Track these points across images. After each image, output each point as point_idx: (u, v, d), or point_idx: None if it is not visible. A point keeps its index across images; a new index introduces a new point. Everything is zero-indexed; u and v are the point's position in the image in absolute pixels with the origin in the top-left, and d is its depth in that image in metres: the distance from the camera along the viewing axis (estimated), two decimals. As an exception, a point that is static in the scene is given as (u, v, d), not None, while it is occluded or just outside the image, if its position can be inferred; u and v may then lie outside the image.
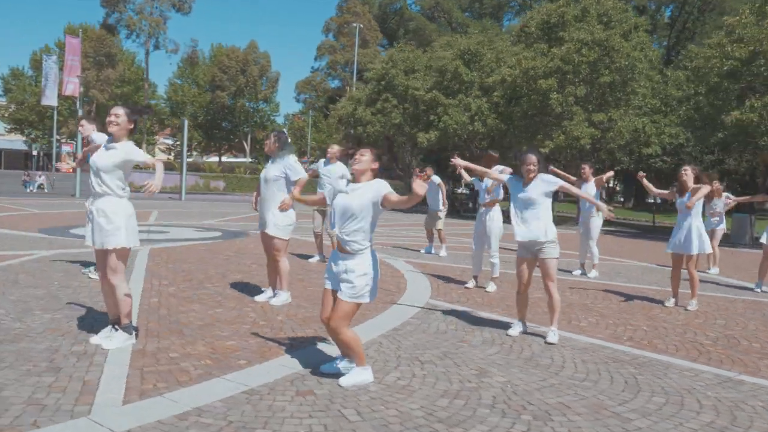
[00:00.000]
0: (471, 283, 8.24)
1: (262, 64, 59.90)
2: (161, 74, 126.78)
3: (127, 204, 4.72)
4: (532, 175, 5.50)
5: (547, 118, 24.99)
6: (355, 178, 4.17)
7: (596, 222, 9.81)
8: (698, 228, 7.29)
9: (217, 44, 67.84)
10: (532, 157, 5.50)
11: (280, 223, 6.38)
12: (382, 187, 4.02)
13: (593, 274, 9.65)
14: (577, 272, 9.91)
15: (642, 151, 25.07)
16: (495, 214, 8.19)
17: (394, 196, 3.97)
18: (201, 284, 7.36)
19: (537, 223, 5.45)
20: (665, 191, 7.73)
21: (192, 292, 6.88)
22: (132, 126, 4.82)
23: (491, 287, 8.02)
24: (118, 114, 4.70)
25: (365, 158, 4.13)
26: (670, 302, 7.51)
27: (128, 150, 4.68)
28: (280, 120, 68.05)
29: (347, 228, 4.01)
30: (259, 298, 6.60)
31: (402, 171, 38.02)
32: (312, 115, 65.26)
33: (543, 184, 5.51)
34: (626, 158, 28.65)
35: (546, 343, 5.40)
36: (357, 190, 4.06)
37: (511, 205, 5.65)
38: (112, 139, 4.75)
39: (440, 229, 11.72)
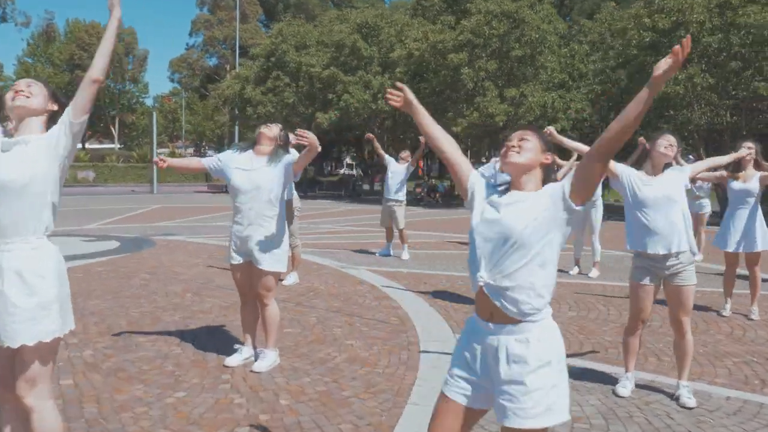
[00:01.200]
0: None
1: (127, 41, 54.64)
2: (6, 51, 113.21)
3: (55, 251, 2.57)
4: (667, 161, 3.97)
5: (458, 94, 23.80)
6: (512, 183, 2.28)
7: (599, 213, 8.46)
8: (761, 219, 6.03)
9: (74, 19, 61.21)
10: (671, 137, 3.95)
11: (279, 251, 4.35)
12: (557, 191, 2.15)
13: (594, 273, 8.28)
14: (575, 270, 8.53)
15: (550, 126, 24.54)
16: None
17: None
18: (130, 339, 5.07)
19: (673, 228, 3.88)
20: (714, 173, 6.02)
21: (122, 357, 4.62)
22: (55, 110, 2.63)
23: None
24: (31, 84, 2.56)
25: (530, 144, 2.24)
26: (727, 311, 6.25)
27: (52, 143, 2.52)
28: (149, 102, 62.69)
29: (507, 268, 2.12)
30: (231, 361, 4.49)
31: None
32: (185, 96, 60.71)
33: (677, 175, 3.99)
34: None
35: (685, 408, 3.82)
36: (517, 203, 2.19)
37: (631, 209, 4.03)
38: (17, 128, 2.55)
39: (402, 228, 9.80)
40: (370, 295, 6.94)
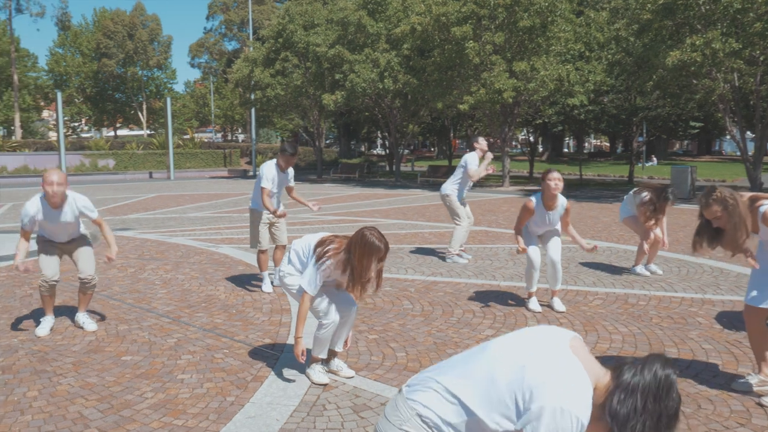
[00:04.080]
0: None
1: (151, 27, 54.56)
2: (37, 44, 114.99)
3: None
4: None
5: (464, 70, 22.51)
6: None
7: None
8: None
9: (101, 8, 61.55)
10: None
11: None
12: None
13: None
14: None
15: (567, 101, 23.04)
16: None
17: None
18: None
19: None
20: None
21: None
22: None
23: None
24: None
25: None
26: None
27: None
28: (179, 88, 62.86)
29: None
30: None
31: (312, 138, 34.86)
32: (214, 81, 60.49)
33: None
34: (550, 110, 26.62)
35: None
36: None
37: None
38: None
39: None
40: (269, 307, 6.06)
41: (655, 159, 41.58)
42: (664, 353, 1.79)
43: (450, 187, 8.37)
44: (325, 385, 4.09)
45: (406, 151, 66.61)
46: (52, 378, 4.23)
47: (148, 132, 59.19)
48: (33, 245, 5.56)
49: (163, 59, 56.80)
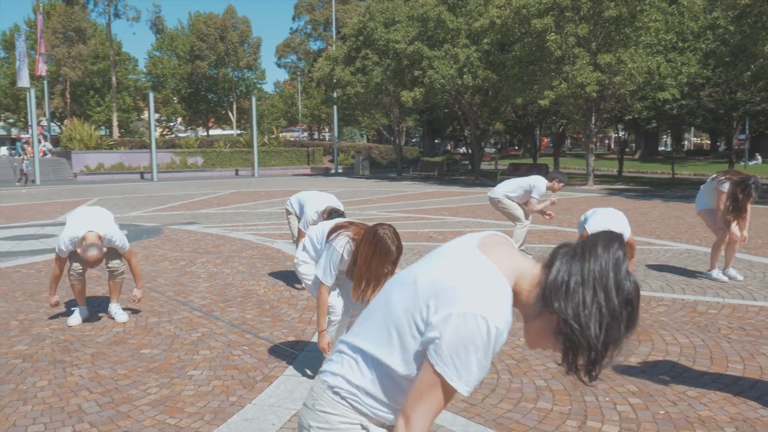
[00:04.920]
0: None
1: (241, 29, 56.18)
2: (133, 47, 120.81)
3: None
4: None
5: (545, 64, 21.66)
6: None
7: None
8: None
9: (195, 12, 64.11)
10: None
11: None
12: None
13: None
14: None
15: (657, 96, 21.70)
16: None
17: None
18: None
19: None
20: None
21: None
22: None
23: None
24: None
25: None
26: None
27: None
28: (268, 88, 64.53)
29: None
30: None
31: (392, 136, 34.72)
32: (302, 81, 61.60)
33: None
34: (638, 105, 25.21)
35: None
36: None
37: None
38: None
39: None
40: (304, 304, 5.84)
41: (759, 157, 38.72)
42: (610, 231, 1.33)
43: (501, 192, 7.89)
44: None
45: (492, 150, 65.45)
46: (67, 368, 4.18)
47: (238, 131, 61.03)
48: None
49: (253, 60, 58.35)
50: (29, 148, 30.30)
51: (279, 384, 3.89)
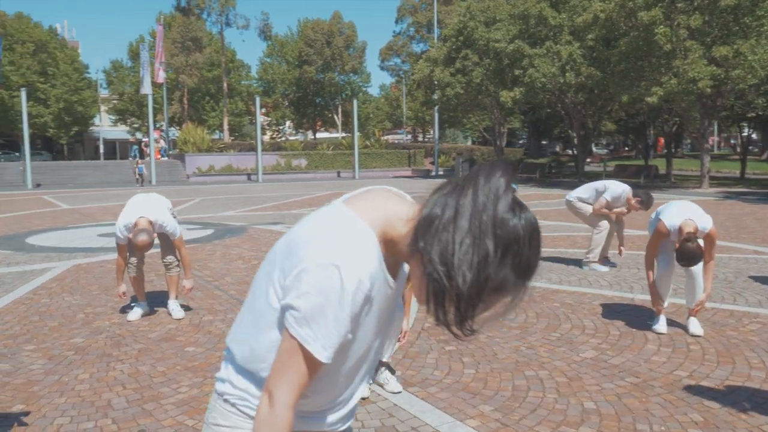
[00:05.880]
0: None
1: (347, 34, 57.21)
2: (244, 54, 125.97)
3: None
4: None
5: (653, 59, 20.37)
6: None
7: None
8: None
9: (304, 18, 66.09)
10: None
11: None
12: None
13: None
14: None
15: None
16: None
17: None
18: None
19: None
20: None
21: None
22: None
23: None
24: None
25: None
26: None
27: None
28: (373, 91, 65.39)
29: None
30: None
31: (492, 138, 34.05)
32: (406, 83, 61.88)
33: None
34: (761, 101, 23.20)
35: None
36: None
37: None
38: None
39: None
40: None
41: None
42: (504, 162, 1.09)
43: (575, 195, 7.40)
44: (364, 399, 3.61)
45: (604, 151, 62.72)
46: (111, 363, 4.24)
47: (343, 134, 62.26)
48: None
49: (358, 64, 59.28)
50: (147, 150, 32.33)
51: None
